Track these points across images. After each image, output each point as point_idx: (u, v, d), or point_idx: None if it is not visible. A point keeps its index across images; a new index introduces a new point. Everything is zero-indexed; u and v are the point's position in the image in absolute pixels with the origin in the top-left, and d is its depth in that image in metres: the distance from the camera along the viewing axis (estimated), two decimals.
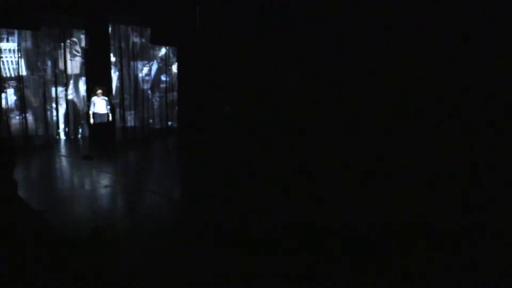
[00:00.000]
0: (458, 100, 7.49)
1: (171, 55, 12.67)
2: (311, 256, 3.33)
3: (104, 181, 6.18)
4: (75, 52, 10.99)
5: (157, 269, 3.12)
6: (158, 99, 12.45)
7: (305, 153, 8.53)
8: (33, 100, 10.12)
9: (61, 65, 10.68)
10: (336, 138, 9.04)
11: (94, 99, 9.19)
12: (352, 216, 4.38)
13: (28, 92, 10.08)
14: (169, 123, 12.57)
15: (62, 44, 10.63)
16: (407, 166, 6.85)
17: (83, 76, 11.09)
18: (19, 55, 9.78)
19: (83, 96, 11.04)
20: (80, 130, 11.22)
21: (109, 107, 9.42)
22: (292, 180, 6.13)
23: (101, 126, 9.31)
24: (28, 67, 10.06)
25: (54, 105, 10.59)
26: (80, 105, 11.14)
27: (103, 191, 5.67)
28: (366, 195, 5.23)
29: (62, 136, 10.90)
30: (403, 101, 8.24)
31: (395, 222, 4.15)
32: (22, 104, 9.85)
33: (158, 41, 11.95)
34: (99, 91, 9.21)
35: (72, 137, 10.96)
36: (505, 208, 4.58)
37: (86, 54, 10.86)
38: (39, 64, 10.17)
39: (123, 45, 11.47)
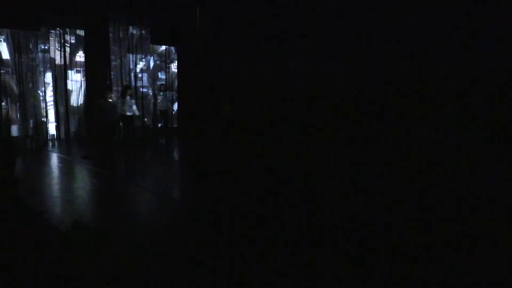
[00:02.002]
0: (461, 100, 7.50)
1: (172, 50, 12.51)
2: (315, 254, 3.33)
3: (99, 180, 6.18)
4: (64, 42, 10.71)
5: (156, 268, 3.12)
6: (152, 98, 12.25)
7: (305, 152, 8.53)
8: (16, 90, 9.87)
9: (51, 55, 10.45)
10: (336, 137, 9.03)
11: (102, 103, 8.68)
12: (353, 215, 4.38)
13: (10, 82, 9.83)
14: (159, 124, 12.22)
15: (53, 31, 10.36)
16: (407, 166, 6.85)
17: (72, 68, 10.86)
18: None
19: (68, 89, 10.78)
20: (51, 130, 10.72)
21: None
22: (293, 179, 6.12)
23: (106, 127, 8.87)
24: (10, 54, 9.77)
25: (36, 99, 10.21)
26: (63, 100, 10.72)
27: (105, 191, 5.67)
28: (366, 195, 5.22)
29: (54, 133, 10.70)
30: (403, 101, 8.24)
31: (395, 222, 4.15)
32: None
33: (158, 41, 11.96)
34: (109, 94, 8.78)
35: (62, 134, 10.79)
36: (505, 209, 4.58)
37: (86, 54, 10.86)
38: (25, 51, 9.93)
39: (121, 34, 11.29)
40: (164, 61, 12.47)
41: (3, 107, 9.62)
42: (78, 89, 10.97)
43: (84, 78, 10.92)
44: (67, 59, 10.63)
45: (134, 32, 11.55)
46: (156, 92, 11.80)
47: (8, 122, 9.72)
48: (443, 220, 4.23)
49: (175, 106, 12.86)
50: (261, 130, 10.19)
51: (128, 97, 9.42)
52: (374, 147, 8.22)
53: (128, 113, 9.35)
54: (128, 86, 10.00)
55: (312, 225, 4.13)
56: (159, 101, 11.52)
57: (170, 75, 12.65)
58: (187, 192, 6.01)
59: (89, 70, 10.87)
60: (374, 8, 8.68)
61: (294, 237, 3.79)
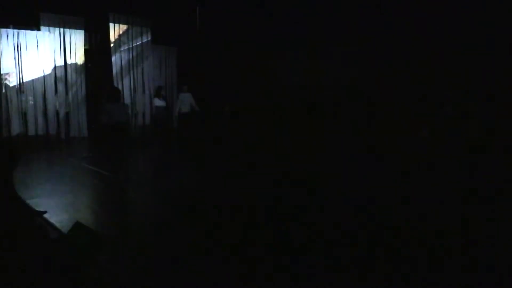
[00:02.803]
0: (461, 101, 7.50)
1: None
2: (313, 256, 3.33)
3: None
4: (64, 41, 10.64)
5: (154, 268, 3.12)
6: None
7: (305, 153, 8.52)
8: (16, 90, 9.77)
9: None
10: (336, 137, 9.03)
11: (110, 105, 8.37)
12: (355, 216, 4.38)
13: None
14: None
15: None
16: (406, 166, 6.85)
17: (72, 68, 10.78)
18: None
19: (68, 90, 10.63)
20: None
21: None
22: (294, 179, 6.12)
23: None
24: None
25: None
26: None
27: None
28: (366, 195, 5.22)
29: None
30: (403, 101, 8.24)
31: (395, 222, 4.15)
32: None
33: (158, 41, 11.96)
34: (118, 95, 8.62)
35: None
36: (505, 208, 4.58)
37: (86, 54, 10.85)
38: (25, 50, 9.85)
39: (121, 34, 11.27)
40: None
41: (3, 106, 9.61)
42: (78, 90, 10.94)
43: (85, 79, 10.90)
44: (67, 59, 10.62)
45: (134, 32, 11.51)
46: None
47: (8, 122, 9.70)
48: (443, 221, 4.23)
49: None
50: (260, 129, 10.20)
51: (161, 98, 9.88)
52: (374, 148, 8.23)
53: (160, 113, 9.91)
54: (161, 87, 10.31)
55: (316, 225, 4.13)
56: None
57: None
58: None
59: (89, 71, 10.86)
60: (375, 7, 8.69)
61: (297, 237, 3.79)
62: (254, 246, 3.55)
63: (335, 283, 2.91)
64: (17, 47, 9.71)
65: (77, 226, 2.77)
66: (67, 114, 10.76)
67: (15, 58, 9.70)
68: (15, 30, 9.62)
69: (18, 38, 9.69)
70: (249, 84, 11.13)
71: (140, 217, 4.64)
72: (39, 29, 9.97)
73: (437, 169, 6.61)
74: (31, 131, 10.03)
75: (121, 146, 6.62)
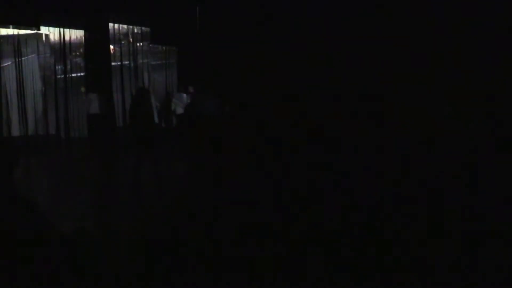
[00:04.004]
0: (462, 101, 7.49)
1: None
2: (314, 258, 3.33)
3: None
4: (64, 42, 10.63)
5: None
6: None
7: (305, 153, 8.50)
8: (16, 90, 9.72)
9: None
10: (336, 137, 9.01)
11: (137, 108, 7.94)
12: (354, 218, 4.37)
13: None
14: None
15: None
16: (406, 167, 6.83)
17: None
18: None
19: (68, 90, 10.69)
20: None
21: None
22: (293, 180, 6.11)
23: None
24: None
25: None
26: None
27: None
28: (365, 196, 5.21)
29: None
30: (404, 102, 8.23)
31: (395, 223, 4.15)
32: None
33: (158, 41, 11.95)
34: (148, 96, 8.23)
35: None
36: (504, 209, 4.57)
37: (86, 54, 10.85)
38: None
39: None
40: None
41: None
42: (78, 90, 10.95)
43: (84, 79, 10.91)
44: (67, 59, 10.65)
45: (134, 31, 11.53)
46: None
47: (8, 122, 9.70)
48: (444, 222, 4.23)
49: None
50: (260, 130, 10.18)
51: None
52: (373, 148, 8.21)
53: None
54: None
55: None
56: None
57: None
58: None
59: (89, 71, 10.86)
60: (375, 7, 8.69)
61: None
62: (254, 245, 3.54)
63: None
64: (17, 47, 9.72)
65: (80, 231, 2.76)
66: (67, 114, 10.77)
67: (15, 58, 9.71)
68: (15, 30, 9.63)
69: (18, 38, 9.70)
70: (249, 84, 11.10)
71: (141, 217, 4.64)
72: (39, 29, 9.96)
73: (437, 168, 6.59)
74: (31, 131, 10.05)
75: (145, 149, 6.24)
